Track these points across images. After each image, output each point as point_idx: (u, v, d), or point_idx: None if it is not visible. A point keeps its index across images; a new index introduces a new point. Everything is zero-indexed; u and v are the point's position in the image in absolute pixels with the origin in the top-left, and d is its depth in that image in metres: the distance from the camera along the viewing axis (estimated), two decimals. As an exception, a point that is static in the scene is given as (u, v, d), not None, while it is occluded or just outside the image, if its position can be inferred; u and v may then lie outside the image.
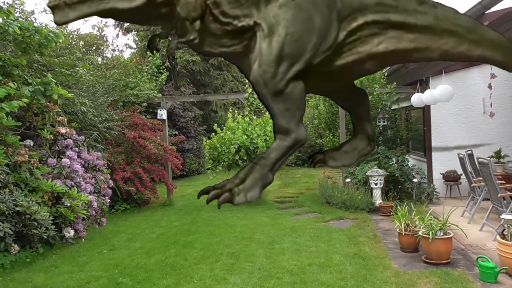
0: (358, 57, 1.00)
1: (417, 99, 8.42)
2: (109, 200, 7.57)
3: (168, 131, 11.43)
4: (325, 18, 0.96)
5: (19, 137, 5.89)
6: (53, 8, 0.94)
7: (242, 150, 9.24)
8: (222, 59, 1.25)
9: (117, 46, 32.02)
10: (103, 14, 0.96)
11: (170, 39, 1.06)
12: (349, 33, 0.99)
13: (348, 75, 1.09)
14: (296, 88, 0.95)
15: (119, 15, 1.01)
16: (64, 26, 9.21)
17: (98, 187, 7.19)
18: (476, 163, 7.08)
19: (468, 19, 1.02)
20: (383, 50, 0.99)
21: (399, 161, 8.80)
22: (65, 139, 6.59)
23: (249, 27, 0.97)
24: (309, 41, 0.95)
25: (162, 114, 10.32)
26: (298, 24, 0.94)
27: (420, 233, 5.13)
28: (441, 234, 4.96)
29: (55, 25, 9.79)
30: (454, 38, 1.00)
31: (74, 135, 6.78)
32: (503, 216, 4.89)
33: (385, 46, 0.99)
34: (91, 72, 8.47)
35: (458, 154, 7.81)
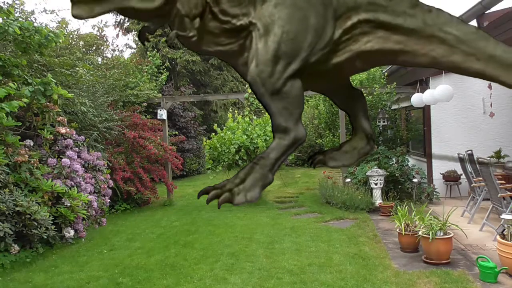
0: (350, 55, 1.01)
1: (417, 99, 8.42)
2: (109, 200, 7.57)
3: (168, 131, 11.43)
4: (321, 16, 0.97)
5: (19, 137, 5.89)
6: (76, 2, 0.93)
7: (242, 150, 9.24)
8: (222, 59, 1.25)
9: (117, 46, 31.97)
10: (122, 12, 0.98)
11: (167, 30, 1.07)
12: (344, 32, 0.99)
13: (342, 73, 1.10)
14: (294, 86, 0.95)
15: (133, 14, 1.02)
16: (64, 26, 9.20)
17: (98, 187, 7.19)
18: (476, 163, 7.09)
19: (467, 30, 0.97)
20: (369, 48, 1.00)
21: (399, 161, 8.81)
22: (65, 139, 6.59)
23: (246, 25, 0.97)
24: (305, 40, 0.95)
25: (162, 114, 10.33)
26: (294, 22, 0.95)
27: (420, 233, 5.13)
28: (441, 234, 4.96)
29: (55, 25, 9.80)
30: (444, 46, 0.97)
31: (74, 135, 6.77)
32: (503, 216, 4.89)
33: (371, 45, 1.00)
34: (91, 72, 8.47)
35: (458, 154, 7.81)
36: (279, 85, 0.93)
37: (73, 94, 6.89)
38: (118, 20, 20.24)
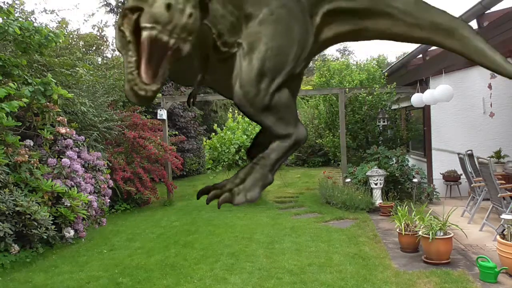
0: (318, 46, 1.07)
1: (417, 99, 8.42)
2: (109, 200, 7.57)
3: (168, 131, 11.42)
4: (303, 25, 0.98)
5: (19, 137, 5.89)
6: (144, 99, 0.89)
7: (242, 150, 9.24)
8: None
9: (117, 46, 31.86)
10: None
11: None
12: (316, 30, 1.03)
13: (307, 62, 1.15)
14: (282, 97, 0.95)
15: None
16: (64, 26, 9.20)
17: (98, 187, 7.19)
18: (476, 163, 7.09)
19: (409, 1, 1.03)
20: (331, 35, 1.06)
21: (399, 161, 8.80)
22: (65, 139, 6.59)
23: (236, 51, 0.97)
24: (290, 53, 0.95)
25: (162, 114, 10.32)
26: (278, 38, 0.94)
27: (420, 233, 5.13)
28: (441, 234, 4.96)
29: (55, 25, 9.79)
30: (388, 20, 1.03)
31: (74, 135, 6.77)
32: (503, 216, 4.89)
33: (333, 32, 1.06)
34: (91, 72, 8.47)
35: (458, 154, 7.81)
36: (267, 101, 0.92)
37: (73, 94, 6.89)
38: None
